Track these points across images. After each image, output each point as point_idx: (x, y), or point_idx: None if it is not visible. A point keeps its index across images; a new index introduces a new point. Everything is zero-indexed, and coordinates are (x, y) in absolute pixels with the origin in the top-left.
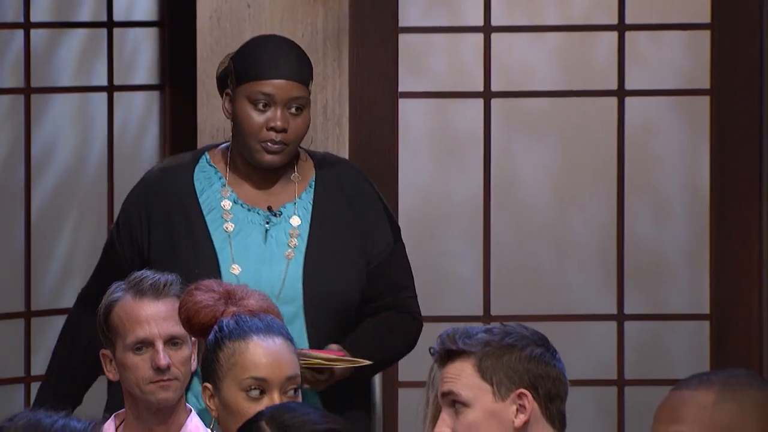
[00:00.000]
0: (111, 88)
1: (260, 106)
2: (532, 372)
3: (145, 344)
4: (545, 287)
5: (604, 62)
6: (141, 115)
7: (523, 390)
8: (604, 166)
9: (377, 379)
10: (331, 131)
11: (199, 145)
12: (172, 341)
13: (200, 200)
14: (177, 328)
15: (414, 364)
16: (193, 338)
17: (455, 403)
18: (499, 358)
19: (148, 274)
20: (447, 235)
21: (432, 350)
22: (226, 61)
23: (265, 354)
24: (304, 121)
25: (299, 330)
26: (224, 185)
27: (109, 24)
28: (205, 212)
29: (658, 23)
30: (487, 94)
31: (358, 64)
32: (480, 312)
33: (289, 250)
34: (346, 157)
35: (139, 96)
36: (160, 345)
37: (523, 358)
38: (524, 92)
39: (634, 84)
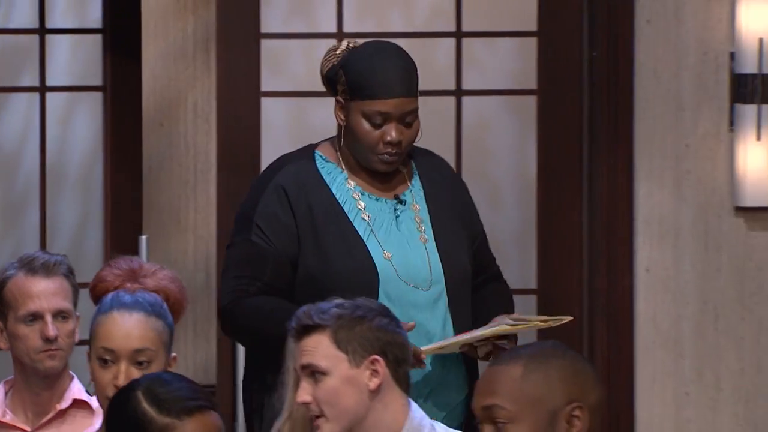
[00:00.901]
0: (43, 89)
1: (376, 122)
2: (381, 340)
3: (35, 317)
4: None
5: (443, 65)
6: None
7: (375, 356)
8: (446, 151)
9: None
10: (200, 127)
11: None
12: (60, 315)
13: (334, 192)
14: (64, 303)
15: None
16: (77, 313)
17: (314, 373)
18: (352, 329)
19: (39, 254)
20: None
21: (288, 326)
22: (334, 60)
23: (116, 327)
24: (416, 128)
25: (443, 309)
26: (347, 179)
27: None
28: (341, 203)
29: (491, 30)
30: None
31: (225, 67)
32: None
33: (421, 234)
34: (215, 151)
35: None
36: (49, 318)
37: (373, 328)
38: None
39: (470, 85)
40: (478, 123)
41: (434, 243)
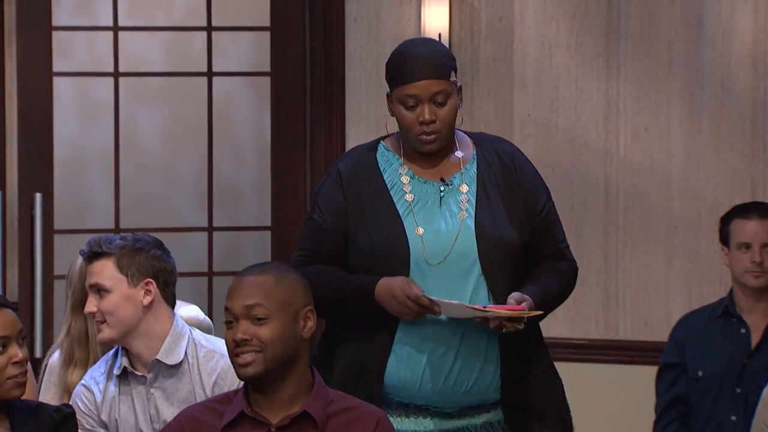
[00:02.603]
0: None
1: (410, 105)
2: (155, 267)
3: None
4: (158, 208)
5: (198, 52)
6: None
7: (149, 279)
8: (199, 126)
9: None
10: (6, 102)
11: None
12: None
13: (384, 177)
14: None
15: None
16: None
17: (100, 290)
18: (132, 257)
19: None
20: (89, 173)
21: (82, 252)
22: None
23: None
24: (451, 108)
25: (476, 279)
26: (401, 164)
27: None
28: (389, 186)
29: (235, 26)
30: (117, 74)
31: (23, 53)
32: (112, 226)
33: (462, 212)
34: (15, 120)
35: None
36: None
37: (149, 257)
38: (144, 73)
39: (219, 68)
40: (225, 98)
41: (473, 219)
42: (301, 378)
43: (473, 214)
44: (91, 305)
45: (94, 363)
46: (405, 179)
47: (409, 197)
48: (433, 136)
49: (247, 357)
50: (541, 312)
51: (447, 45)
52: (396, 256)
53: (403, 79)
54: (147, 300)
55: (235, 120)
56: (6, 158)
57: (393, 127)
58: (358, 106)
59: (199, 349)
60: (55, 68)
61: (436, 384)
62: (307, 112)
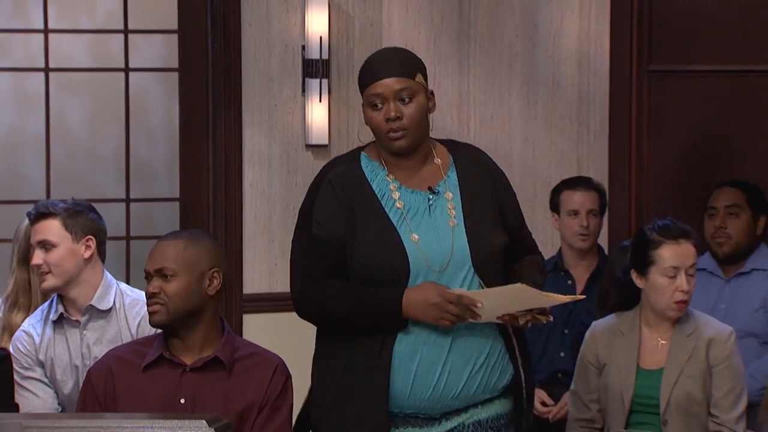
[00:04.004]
0: None
1: (377, 105)
2: (93, 227)
3: None
4: (83, 183)
5: (117, 51)
6: None
7: (90, 236)
8: (118, 114)
9: None
10: None
11: None
12: None
13: (373, 187)
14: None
15: None
16: None
17: (46, 245)
18: (75, 218)
19: None
20: (25, 153)
21: (29, 213)
22: None
23: None
24: (418, 106)
25: (473, 282)
26: (387, 174)
27: None
28: (378, 196)
29: (149, 29)
30: (47, 70)
31: None
32: (44, 197)
33: (451, 219)
34: None
35: None
36: None
37: (88, 219)
38: (70, 68)
39: (135, 64)
40: (140, 90)
41: (463, 226)
42: (210, 328)
43: (462, 220)
44: (38, 258)
45: (35, 308)
46: (393, 187)
47: (399, 204)
48: (400, 133)
49: (155, 307)
50: (584, 297)
51: (327, 47)
52: (396, 265)
53: (368, 80)
54: (87, 254)
55: (148, 109)
56: None
57: (367, 137)
58: (252, 97)
59: (125, 297)
60: None
61: (425, 392)
62: (209, 102)
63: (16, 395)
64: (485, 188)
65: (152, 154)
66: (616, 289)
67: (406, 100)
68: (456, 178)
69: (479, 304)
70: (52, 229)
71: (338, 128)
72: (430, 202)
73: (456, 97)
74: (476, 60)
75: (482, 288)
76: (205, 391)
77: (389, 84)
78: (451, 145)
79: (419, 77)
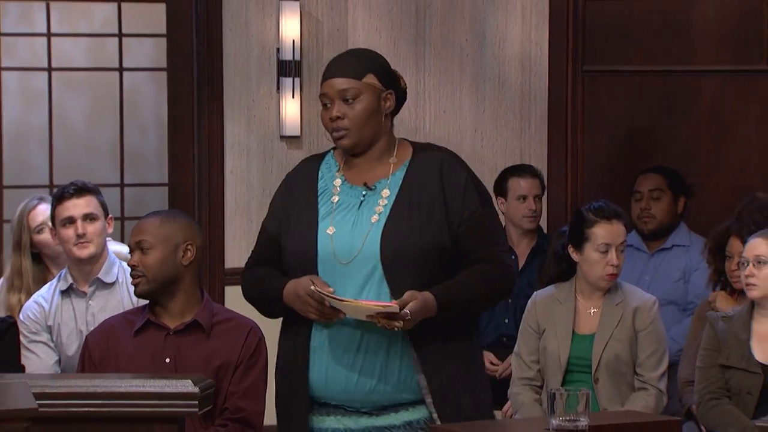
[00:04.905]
0: None
1: (325, 105)
2: (107, 207)
3: None
4: (82, 170)
5: (112, 52)
6: None
7: (110, 215)
8: (113, 109)
9: None
10: None
11: None
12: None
13: (318, 182)
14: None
15: None
16: None
17: (91, 216)
18: (101, 198)
19: None
20: (30, 144)
21: (66, 189)
22: None
23: None
24: (362, 107)
25: (379, 280)
26: (338, 170)
27: None
28: (319, 190)
29: (141, 33)
30: (50, 69)
31: None
32: (47, 183)
33: (375, 215)
34: None
35: None
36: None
37: (103, 200)
38: (71, 68)
39: (128, 65)
40: (133, 88)
41: (383, 224)
42: (190, 295)
43: (385, 218)
44: (83, 228)
45: (27, 290)
46: (337, 182)
47: (335, 198)
48: (342, 133)
49: (137, 280)
50: (398, 311)
51: (299, 49)
52: (305, 255)
53: (322, 80)
54: (109, 230)
55: (140, 104)
56: None
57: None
58: (233, 94)
59: (126, 273)
60: (3, 64)
61: (339, 384)
62: (195, 98)
63: (21, 357)
64: (430, 191)
65: (144, 144)
66: (554, 262)
67: (350, 100)
68: (402, 177)
69: (327, 303)
70: (93, 203)
71: (309, 121)
72: (363, 197)
73: (413, 94)
74: (431, 61)
75: (387, 285)
76: (186, 352)
77: (334, 84)
78: (422, 148)
79: (369, 78)
